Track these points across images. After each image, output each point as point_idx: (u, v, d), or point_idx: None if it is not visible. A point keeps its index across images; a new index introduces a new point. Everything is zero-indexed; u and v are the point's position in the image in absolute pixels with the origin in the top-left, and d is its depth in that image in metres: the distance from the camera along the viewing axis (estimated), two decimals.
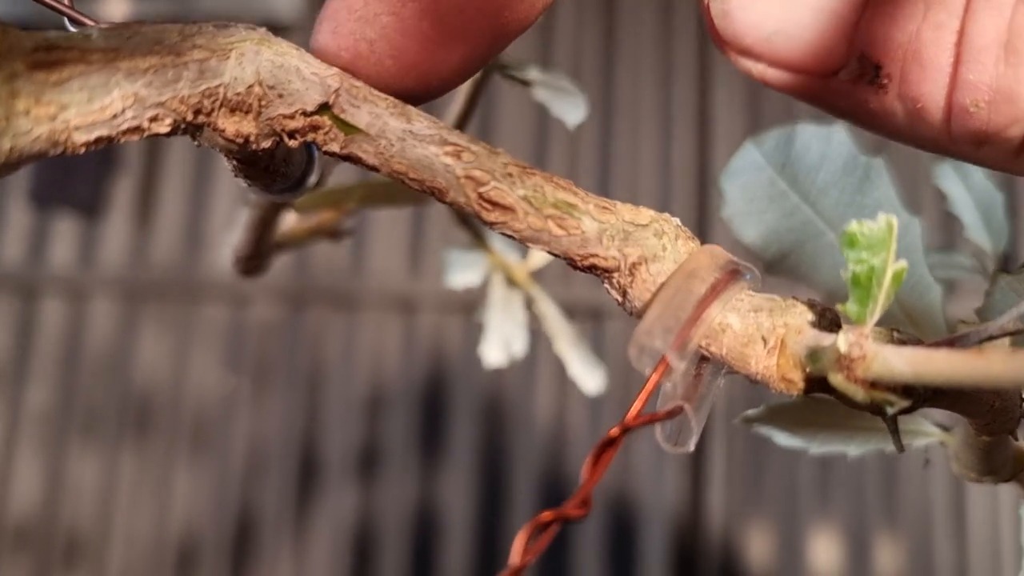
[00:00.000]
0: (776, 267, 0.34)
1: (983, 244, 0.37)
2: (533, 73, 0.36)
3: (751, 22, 0.21)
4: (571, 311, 0.49)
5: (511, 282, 0.47)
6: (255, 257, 0.40)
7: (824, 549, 1.85)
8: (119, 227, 2.04)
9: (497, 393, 1.93)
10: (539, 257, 0.48)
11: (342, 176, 0.37)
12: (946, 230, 1.69)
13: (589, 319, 1.86)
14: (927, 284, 0.31)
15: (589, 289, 1.89)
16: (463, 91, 0.36)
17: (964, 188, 0.38)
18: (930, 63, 0.20)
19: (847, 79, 0.20)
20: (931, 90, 0.20)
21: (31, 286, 2.00)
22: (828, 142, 0.33)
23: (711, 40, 0.22)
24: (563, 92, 0.37)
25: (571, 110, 0.37)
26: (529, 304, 0.48)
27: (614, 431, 0.18)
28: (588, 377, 0.46)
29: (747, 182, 0.33)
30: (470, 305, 1.95)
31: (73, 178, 2.00)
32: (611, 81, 2.07)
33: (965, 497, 1.85)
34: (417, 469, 1.91)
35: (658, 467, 1.88)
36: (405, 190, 0.40)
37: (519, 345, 0.48)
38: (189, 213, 2.04)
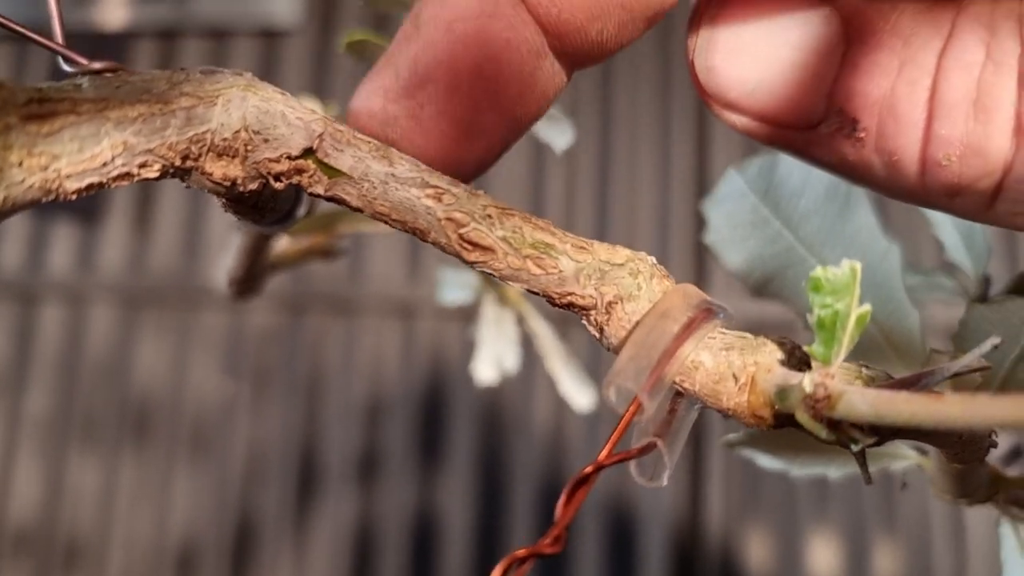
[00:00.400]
0: (760, 291, 0.35)
1: (963, 265, 0.37)
2: None
3: (734, 77, 0.22)
4: (564, 323, 0.50)
5: (503, 300, 0.48)
6: (249, 280, 0.41)
7: (823, 554, 1.86)
8: (118, 233, 2.04)
9: (496, 399, 1.93)
10: None
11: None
12: (930, 249, 1.69)
13: (583, 329, 1.86)
14: (906, 311, 0.32)
15: None
16: None
17: None
18: (904, 118, 0.20)
19: (826, 132, 0.21)
20: (906, 144, 0.21)
21: (30, 292, 2.00)
22: (810, 169, 0.34)
23: (697, 94, 0.23)
24: (550, 118, 0.37)
25: (559, 136, 0.38)
26: (520, 321, 0.49)
27: (588, 469, 0.19)
28: (579, 395, 0.47)
29: (731, 209, 0.34)
30: (469, 312, 1.95)
31: None
32: (609, 100, 2.08)
33: None
34: (416, 474, 1.92)
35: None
36: None
37: (511, 362, 0.49)
38: (188, 220, 2.04)
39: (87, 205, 2.03)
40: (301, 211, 0.30)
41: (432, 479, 1.91)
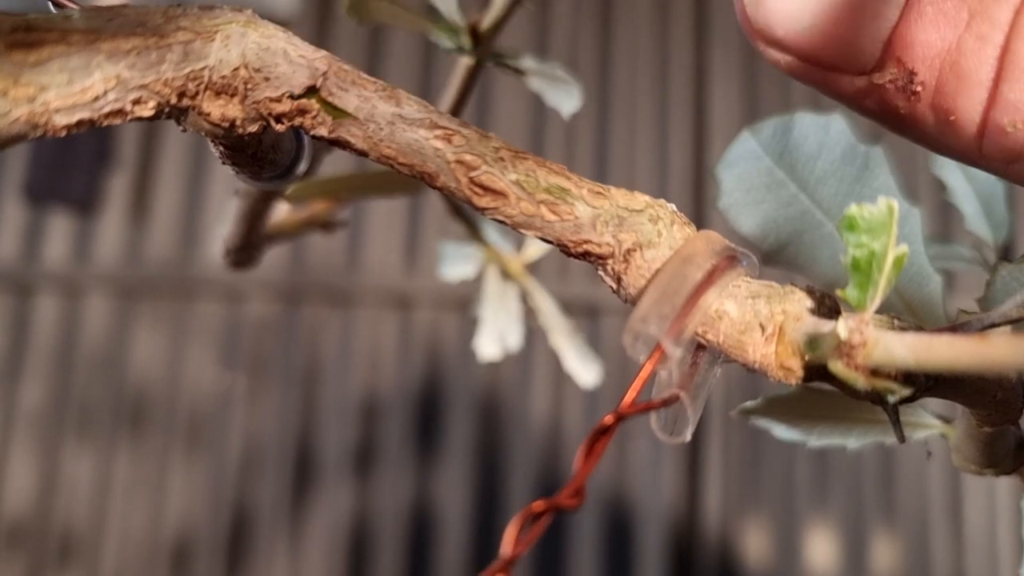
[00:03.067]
0: (773, 258, 0.34)
1: (983, 235, 0.36)
2: (527, 62, 0.35)
3: (785, 13, 0.20)
4: (567, 307, 0.49)
5: (506, 275, 0.47)
6: (245, 249, 0.39)
7: (821, 546, 1.85)
8: (114, 223, 2.03)
9: (493, 389, 1.92)
10: (534, 250, 0.47)
11: (334, 166, 0.36)
12: (943, 220, 1.69)
13: (585, 315, 1.86)
14: (927, 274, 0.31)
15: (585, 285, 1.89)
16: (455, 80, 0.36)
17: (965, 179, 0.37)
18: (968, 76, 0.19)
19: (879, 81, 0.20)
20: (966, 104, 0.19)
21: (25, 282, 1.99)
22: (826, 131, 0.33)
23: (741, 28, 0.21)
24: (558, 81, 0.36)
25: (566, 99, 0.37)
26: (524, 297, 0.48)
27: (608, 419, 0.18)
28: (584, 371, 0.45)
29: (744, 171, 0.33)
30: (466, 301, 1.94)
31: (68, 174, 1.99)
32: (608, 72, 2.07)
33: (962, 494, 1.85)
34: (413, 465, 1.91)
35: (655, 463, 1.88)
36: (398, 179, 0.39)
37: (514, 339, 0.48)
38: (184, 210, 2.03)
39: (83, 194, 2.02)
40: (301, 167, 0.29)
41: (429, 471, 1.90)
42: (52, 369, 1.96)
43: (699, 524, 1.87)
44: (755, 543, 1.86)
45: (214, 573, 1.86)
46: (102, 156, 2.03)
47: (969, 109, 0.19)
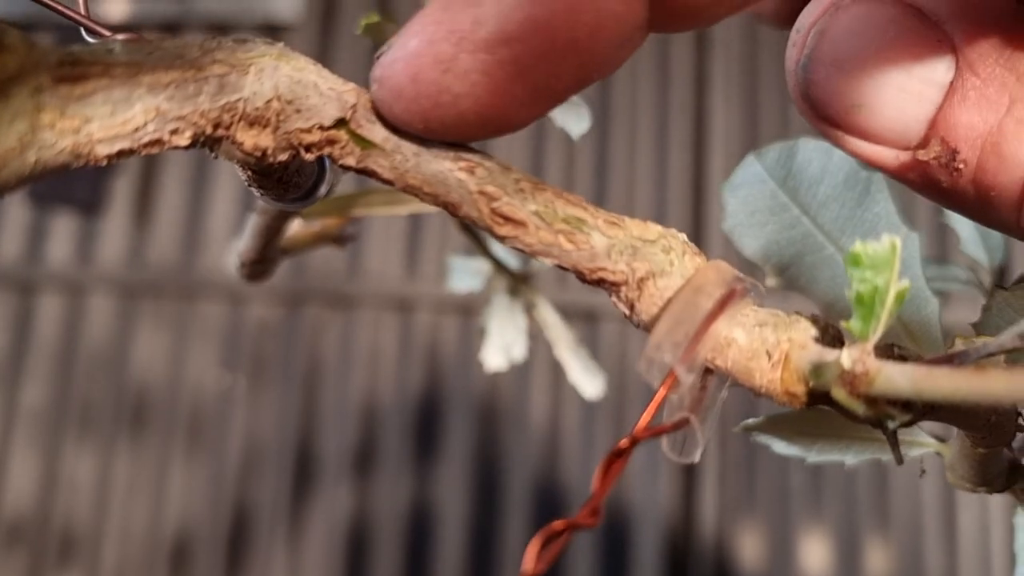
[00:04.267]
0: (776, 279, 0.35)
1: (979, 257, 0.37)
2: None
3: (837, 92, 0.21)
4: (566, 314, 0.50)
5: (512, 288, 0.48)
6: (261, 262, 0.40)
7: (815, 552, 1.86)
8: (118, 225, 2.04)
9: (493, 395, 1.93)
10: (539, 264, 0.48)
11: (345, 184, 0.37)
12: (939, 240, 1.70)
13: (583, 321, 1.87)
14: (925, 298, 0.32)
15: (584, 293, 1.89)
16: None
17: None
18: (1009, 157, 0.20)
19: (923, 159, 0.21)
20: (1006, 182, 0.20)
21: (29, 283, 2.00)
22: (829, 156, 0.34)
23: (793, 103, 0.22)
24: (568, 103, 0.37)
25: (575, 121, 0.38)
26: (529, 309, 0.49)
27: (624, 442, 0.19)
28: (587, 383, 0.46)
29: (748, 195, 0.34)
30: (466, 307, 1.95)
31: (72, 177, 2.00)
32: (608, 91, 2.08)
33: (956, 502, 1.86)
34: (412, 469, 1.91)
35: (651, 471, 1.89)
36: (409, 197, 0.40)
37: (519, 350, 0.49)
38: (188, 212, 2.04)
39: (87, 197, 2.02)
40: (323, 190, 0.30)
41: (428, 474, 1.91)
42: (54, 368, 1.97)
43: (695, 530, 1.88)
44: (750, 549, 1.87)
45: (213, 572, 1.87)
46: None
47: (1009, 187, 0.20)
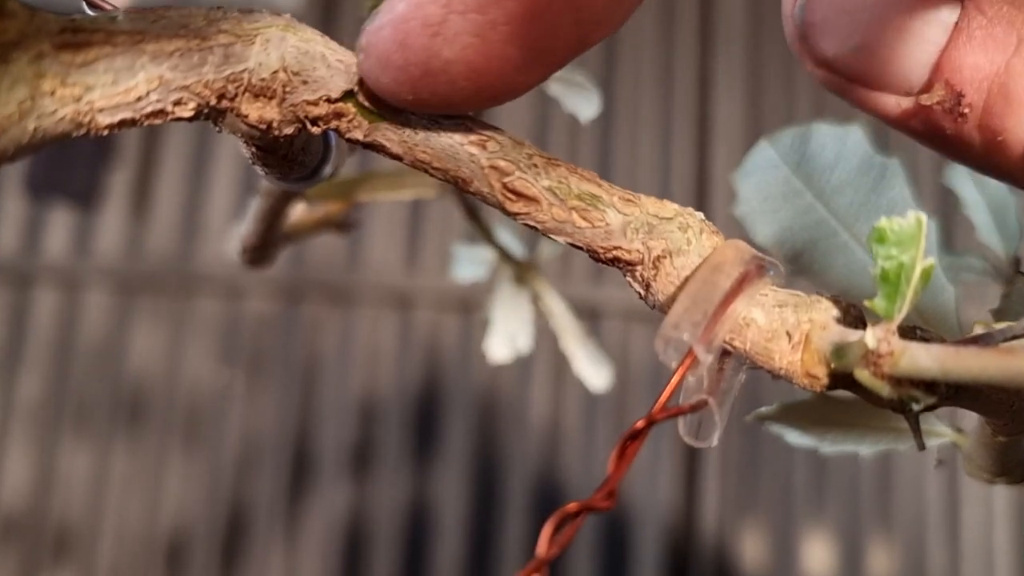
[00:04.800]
0: (789, 265, 0.34)
1: (995, 247, 0.37)
2: None
3: (835, 35, 0.20)
4: (569, 309, 0.50)
5: (518, 278, 0.47)
6: (262, 247, 0.40)
7: (818, 552, 1.86)
8: (115, 218, 2.03)
9: (492, 390, 1.93)
10: (546, 252, 0.48)
11: (348, 168, 0.37)
12: (945, 231, 1.69)
13: (586, 317, 1.86)
14: (941, 285, 0.31)
15: (587, 288, 1.89)
16: None
17: (976, 189, 0.38)
18: (1017, 98, 0.19)
19: (926, 103, 0.20)
20: (1015, 125, 0.19)
21: (25, 275, 1.99)
22: (844, 141, 0.33)
23: (791, 49, 0.21)
24: (577, 87, 0.37)
25: (585, 105, 0.37)
26: (535, 299, 0.48)
27: (640, 423, 0.18)
28: (594, 374, 0.46)
29: (761, 180, 0.33)
30: (467, 302, 1.95)
31: (69, 169, 2.00)
32: (612, 80, 2.07)
33: (959, 501, 1.85)
34: (411, 465, 1.91)
35: (652, 468, 1.88)
36: (412, 181, 0.39)
37: (524, 341, 0.48)
38: (185, 205, 2.03)
39: (84, 189, 2.02)
40: (327, 170, 0.30)
41: (426, 471, 1.91)
42: (50, 363, 1.96)
43: (696, 528, 1.87)
44: (752, 548, 1.86)
45: (210, 569, 1.86)
46: (104, 151, 2.03)
47: (1017, 130, 0.19)
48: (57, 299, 1.99)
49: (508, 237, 0.47)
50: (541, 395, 1.90)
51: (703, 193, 1.98)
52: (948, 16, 0.20)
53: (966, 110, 0.20)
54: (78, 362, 1.96)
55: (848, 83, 0.21)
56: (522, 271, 0.47)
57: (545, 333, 0.49)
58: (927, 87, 0.20)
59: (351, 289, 1.96)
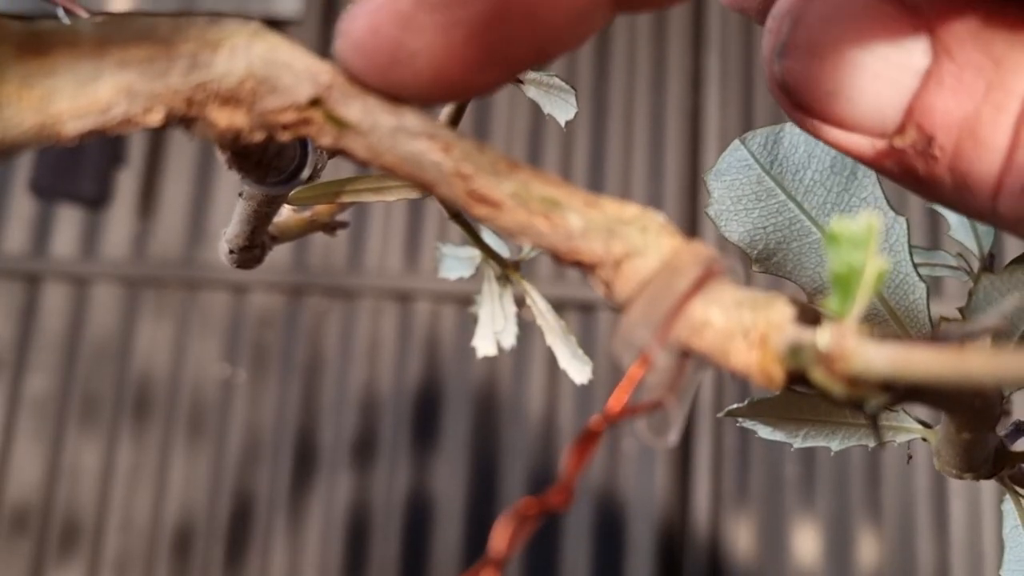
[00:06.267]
0: (762, 265, 0.35)
1: (968, 244, 0.37)
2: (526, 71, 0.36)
3: (812, 79, 0.21)
4: (563, 306, 0.50)
5: (503, 276, 0.48)
6: (249, 249, 0.40)
7: (807, 542, 1.86)
8: (122, 218, 2.04)
9: (490, 383, 1.93)
10: (529, 252, 0.48)
11: (337, 169, 0.37)
12: (932, 226, 1.70)
13: (579, 313, 1.87)
14: (912, 283, 0.31)
15: (579, 286, 1.90)
16: None
17: None
18: (985, 143, 0.20)
19: (899, 145, 0.21)
20: (983, 168, 0.20)
21: (34, 274, 2.00)
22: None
23: (770, 92, 0.22)
24: (555, 89, 0.37)
25: (562, 108, 0.37)
26: (521, 298, 0.49)
27: (596, 422, 0.18)
28: (577, 370, 0.46)
29: (734, 180, 0.34)
30: (465, 297, 1.95)
31: (77, 172, 2.00)
32: (605, 79, 2.07)
33: (947, 492, 1.86)
34: (411, 456, 1.92)
35: (645, 461, 1.89)
36: (400, 184, 0.40)
37: (509, 338, 0.48)
38: (191, 205, 2.04)
39: (92, 192, 2.02)
40: (304, 174, 0.30)
41: (426, 462, 1.91)
42: (58, 359, 1.97)
43: (688, 521, 1.88)
44: (743, 539, 1.87)
45: (214, 560, 1.87)
46: (111, 154, 2.03)
47: (985, 173, 0.20)
48: (65, 297, 2.00)
49: (493, 238, 0.48)
50: (537, 386, 1.91)
51: (695, 191, 1.98)
52: (920, 61, 0.20)
53: (937, 152, 0.20)
54: (85, 358, 1.96)
55: (824, 124, 0.22)
56: (506, 270, 0.47)
57: (540, 327, 0.49)
58: (900, 130, 0.21)
59: (352, 285, 1.97)
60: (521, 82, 0.34)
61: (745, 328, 0.20)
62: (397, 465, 1.90)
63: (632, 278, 0.21)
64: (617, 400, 0.19)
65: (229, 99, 0.22)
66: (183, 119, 0.21)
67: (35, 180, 1.99)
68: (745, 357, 0.20)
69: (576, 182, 2.04)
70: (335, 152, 0.22)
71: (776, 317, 0.20)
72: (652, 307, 0.20)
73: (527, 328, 0.50)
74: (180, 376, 1.95)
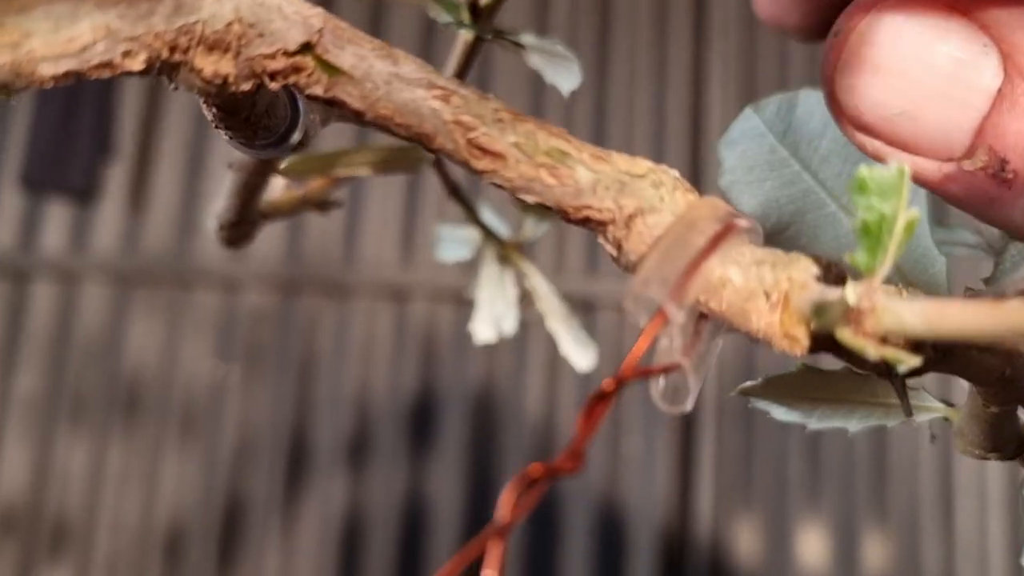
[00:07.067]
0: (775, 238, 0.33)
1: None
2: (527, 38, 0.35)
3: (875, 100, 0.20)
4: (554, 292, 0.49)
5: (503, 258, 0.46)
6: (239, 225, 0.39)
7: (813, 544, 1.85)
8: (112, 212, 2.02)
9: (487, 381, 1.92)
10: (531, 232, 0.47)
11: (330, 143, 0.36)
12: (939, 206, 1.69)
13: (580, 310, 1.86)
14: (932, 256, 0.30)
15: (581, 281, 1.88)
16: (455, 55, 0.35)
17: None
18: None
19: (969, 168, 0.20)
20: None
21: (22, 270, 1.98)
22: None
23: (828, 109, 0.21)
24: (557, 57, 0.36)
25: (565, 76, 0.36)
26: (520, 281, 0.47)
27: (608, 383, 0.17)
28: (580, 355, 0.45)
29: (746, 150, 0.32)
30: (462, 294, 1.94)
31: (66, 163, 1.99)
32: (607, 45, 2.07)
33: (953, 492, 1.85)
34: (407, 456, 1.90)
35: (647, 460, 1.88)
36: (396, 156, 0.38)
37: (509, 323, 0.47)
38: (182, 200, 2.02)
39: (81, 184, 2.01)
40: (295, 136, 0.29)
41: (422, 462, 1.90)
42: (47, 357, 1.95)
43: (691, 521, 1.87)
44: (747, 540, 1.86)
45: (206, 562, 1.86)
46: (100, 145, 2.02)
47: None
48: (54, 294, 1.98)
49: (492, 216, 0.46)
50: (535, 385, 1.90)
51: (697, 161, 1.98)
52: (991, 82, 0.19)
53: (1010, 176, 0.19)
54: (75, 356, 1.95)
55: (887, 147, 0.21)
56: (506, 250, 0.46)
57: (539, 325, 0.48)
58: (969, 152, 0.20)
59: (347, 283, 1.95)
60: (523, 49, 0.33)
61: (766, 287, 0.19)
62: (393, 466, 1.89)
63: (645, 236, 0.20)
64: (631, 361, 0.17)
65: (215, 44, 0.20)
66: (166, 65, 0.20)
67: (25, 172, 1.98)
68: (767, 318, 0.19)
69: None
70: (327, 102, 0.21)
71: (799, 275, 0.19)
72: (667, 264, 0.19)
73: (525, 323, 0.49)
74: (172, 375, 1.93)
